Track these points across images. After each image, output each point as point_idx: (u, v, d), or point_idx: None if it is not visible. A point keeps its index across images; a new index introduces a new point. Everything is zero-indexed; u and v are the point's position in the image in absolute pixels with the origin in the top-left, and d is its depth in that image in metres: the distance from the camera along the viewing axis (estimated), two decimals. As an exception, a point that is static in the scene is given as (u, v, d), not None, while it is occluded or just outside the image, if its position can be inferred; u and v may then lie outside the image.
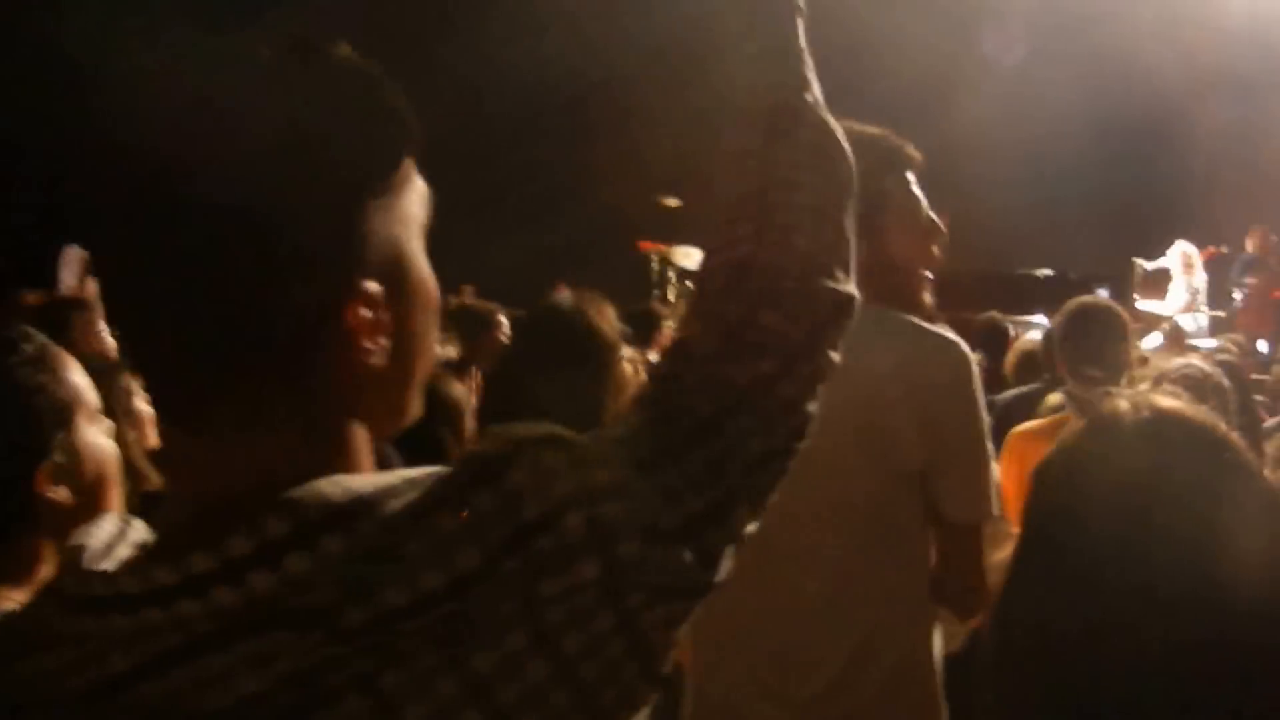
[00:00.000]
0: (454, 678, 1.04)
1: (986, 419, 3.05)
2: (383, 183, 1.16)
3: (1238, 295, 14.19)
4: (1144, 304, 12.65)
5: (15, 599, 1.98)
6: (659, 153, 14.41)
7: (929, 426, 2.93)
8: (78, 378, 2.11)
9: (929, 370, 2.93)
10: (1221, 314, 13.81)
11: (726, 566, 1.22)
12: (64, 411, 2.06)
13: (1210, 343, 11.52)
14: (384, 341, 1.15)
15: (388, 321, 1.15)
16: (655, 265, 15.02)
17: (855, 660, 2.96)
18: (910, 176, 3.10)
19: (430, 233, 1.26)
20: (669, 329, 10.02)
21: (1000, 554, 1.67)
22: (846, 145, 1.48)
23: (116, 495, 2.15)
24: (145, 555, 1.14)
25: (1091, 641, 1.51)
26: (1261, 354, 11.07)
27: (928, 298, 3.16)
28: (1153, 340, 9.45)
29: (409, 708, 1.02)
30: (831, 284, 1.38)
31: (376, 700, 1.02)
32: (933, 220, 3.13)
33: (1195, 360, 3.76)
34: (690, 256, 14.69)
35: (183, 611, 1.04)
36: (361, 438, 1.19)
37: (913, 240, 3.09)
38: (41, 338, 2.11)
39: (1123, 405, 1.61)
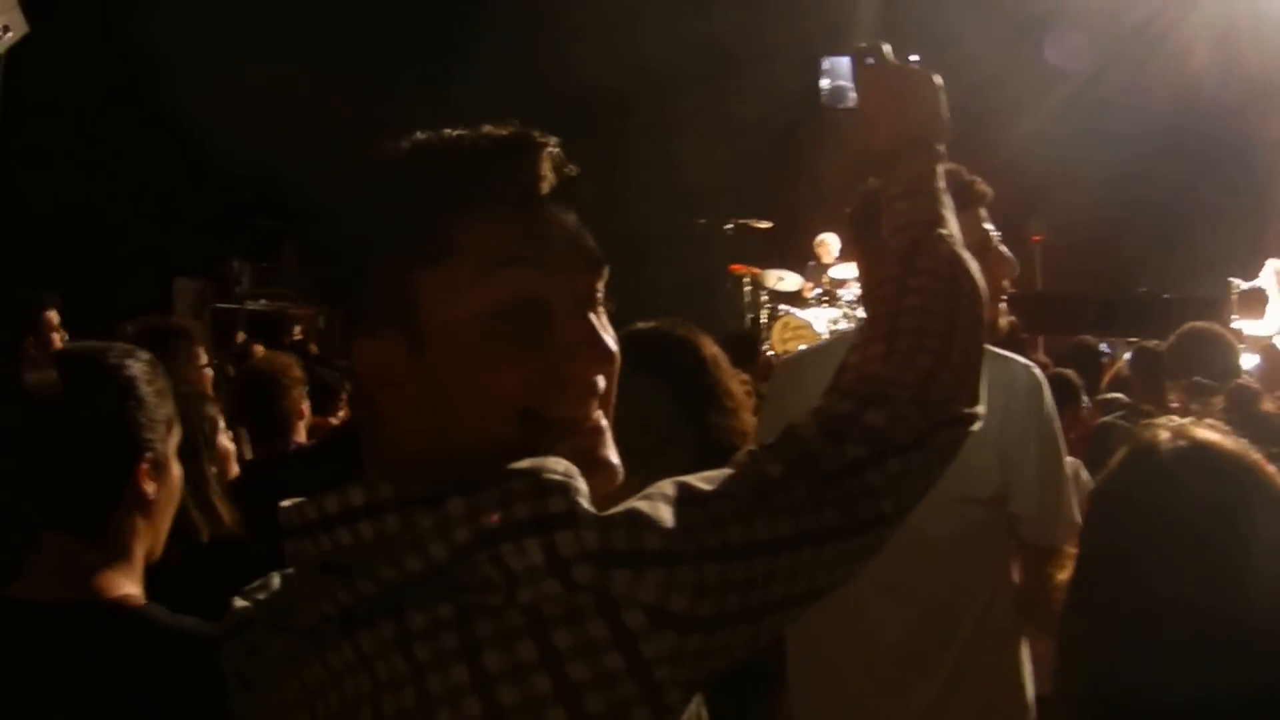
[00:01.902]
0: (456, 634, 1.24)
1: (1062, 442, 3.13)
2: None
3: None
4: (1241, 324, 12.52)
5: (125, 585, 2.18)
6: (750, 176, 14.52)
7: (1005, 453, 3.00)
8: (172, 402, 2.32)
9: (1003, 397, 2.96)
10: (1327, 335, 13.59)
11: (758, 601, 1.31)
12: (170, 418, 2.27)
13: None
14: None
15: None
16: (747, 288, 15.11)
17: (946, 689, 3.04)
18: (982, 212, 3.16)
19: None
20: (766, 352, 10.11)
21: (1063, 574, 1.87)
22: (979, 276, 1.67)
23: (167, 521, 2.33)
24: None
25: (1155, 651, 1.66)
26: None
27: (1002, 323, 3.21)
28: (1250, 361, 9.31)
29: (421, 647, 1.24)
30: (949, 401, 1.52)
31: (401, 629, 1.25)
32: (1001, 253, 3.19)
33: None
34: (782, 280, 14.79)
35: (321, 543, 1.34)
36: None
37: (984, 272, 3.09)
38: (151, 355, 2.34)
39: (1162, 435, 1.75)
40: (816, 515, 1.35)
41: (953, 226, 1.72)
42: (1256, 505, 1.69)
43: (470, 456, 1.34)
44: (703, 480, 1.35)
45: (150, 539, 2.27)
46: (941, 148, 1.81)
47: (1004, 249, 3.20)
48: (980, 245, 3.10)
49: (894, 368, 1.51)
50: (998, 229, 3.21)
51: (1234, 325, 12.26)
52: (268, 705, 1.40)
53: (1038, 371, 3.13)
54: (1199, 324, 5.08)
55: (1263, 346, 10.31)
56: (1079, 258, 14.50)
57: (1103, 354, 9.32)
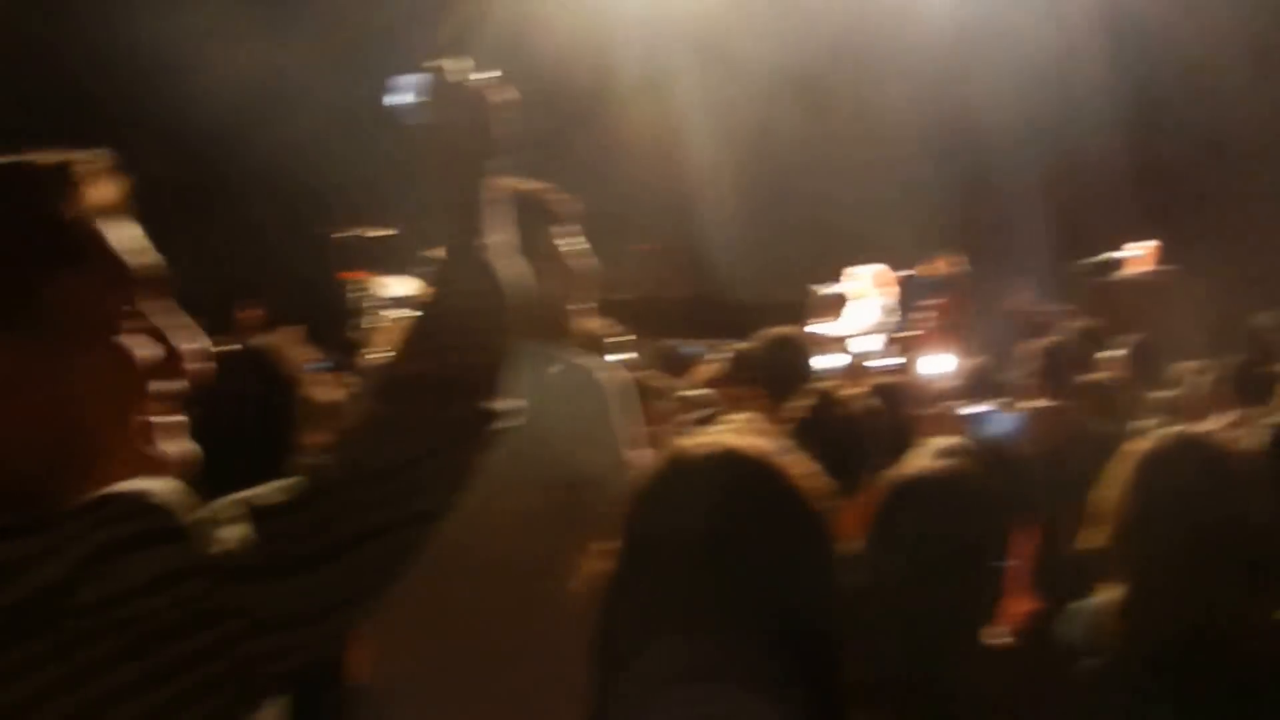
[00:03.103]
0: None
1: (630, 436, 3.40)
2: None
3: (922, 317, 14.82)
4: (818, 327, 13.20)
5: None
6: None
7: (585, 444, 3.28)
8: None
9: (575, 394, 3.28)
10: (908, 335, 14.41)
11: (336, 598, 1.50)
12: None
13: (889, 362, 12.16)
14: None
15: None
16: (360, 293, 15.07)
17: (526, 666, 3.22)
18: (565, 228, 3.46)
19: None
20: (366, 355, 10.17)
21: (601, 564, 1.95)
22: (512, 282, 1.82)
23: None
24: None
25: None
26: (940, 371, 11.60)
27: (585, 326, 3.56)
28: (833, 361, 9.88)
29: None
30: (475, 399, 1.71)
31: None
32: (579, 266, 3.49)
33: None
34: (390, 286, 14.81)
35: None
36: None
37: (563, 284, 3.43)
38: None
39: (692, 440, 1.90)
40: (373, 515, 1.53)
41: (493, 236, 1.86)
42: (774, 506, 1.83)
43: (32, 482, 1.39)
44: (274, 493, 1.51)
45: None
46: (494, 162, 1.94)
47: (582, 261, 3.49)
48: (561, 258, 3.42)
49: (428, 366, 1.69)
50: (600, 238, 3.48)
51: (810, 329, 13.00)
52: None
53: (615, 373, 3.40)
54: (781, 329, 5.43)
55: (846, 348, 11.02)
56: (679, 264, 14.96)
57: (691, 354, 9.66)
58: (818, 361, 5.53)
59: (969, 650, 2.69)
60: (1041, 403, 5.41)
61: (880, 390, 5.85)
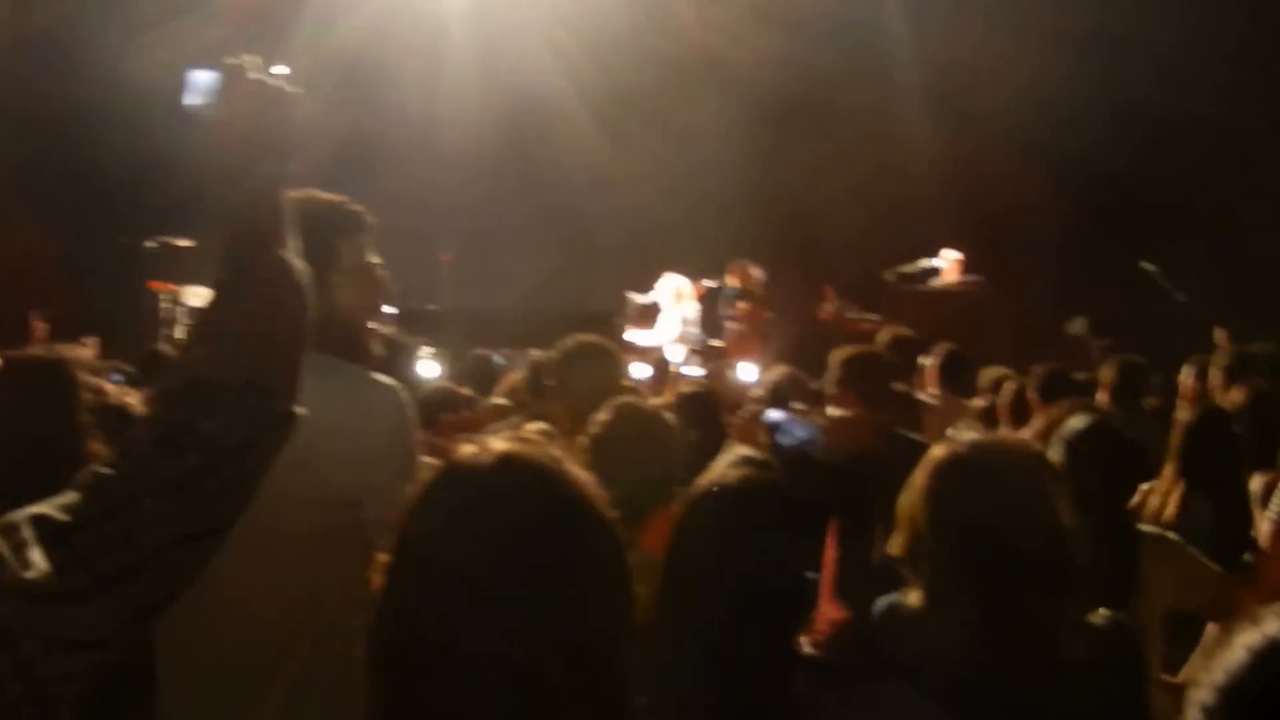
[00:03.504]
0: None
1: (416, 453, 3.34)
2: None
3: (730, 326, 14.97)
4: (634, 335, 13.28)
5: None
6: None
7: (362, 461, 3.16)
8: None
9: (362, 410, 3.21)
10: (718, 343, 14.55)
11: (128, 614, 1.48)
12: None
13: (695, 371, 12.28)
14: None
15: None
16: (165, 304, 14.85)
17: (300, 684, 3.16)
18: (362, 239, 3.37)
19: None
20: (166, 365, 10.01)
21: (378, 578, 1.90)
22: (305, 285, 1.81)
23: None
24: None
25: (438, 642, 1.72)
26: (745, 379, 11.72)
27: (375, 346, 3.45)
28: (641, 371, 9.92)
29: None
30: (269, 401, 1.69)
31: None
32: (377, 278, 3.41)
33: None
34: (200, 296, 14.61)
35: None
36: None
37: (359, 295, 3.36)
38: None
39: (468, 449, 1.83)
40: (166, 528, 1.52)
41: (286, 238, 1.83)
42: (551, 512, 1.76)
43: None
44: (60, 510, 1.47)
45: None
46: (292, 165, 1.92)
47: (380, 273, 3.41)
48: (358, 270, 3.33)
49: (220, 370, 1.65)
50: (408, 248, 3.39)
51: (628, 337, 13.09)
52: None
53: (398, 391, 3.31)
54: (582, 337, 5.41)
55: (654, 357, 11.08)
56: (487, 274, 14.95)
57: (498, 364, 9.69)
58: (623, 371, 5.46)
59: (778, 660, 2.69)
60: (847, 411, 5.43)
61: (686, 400, 5.88)
